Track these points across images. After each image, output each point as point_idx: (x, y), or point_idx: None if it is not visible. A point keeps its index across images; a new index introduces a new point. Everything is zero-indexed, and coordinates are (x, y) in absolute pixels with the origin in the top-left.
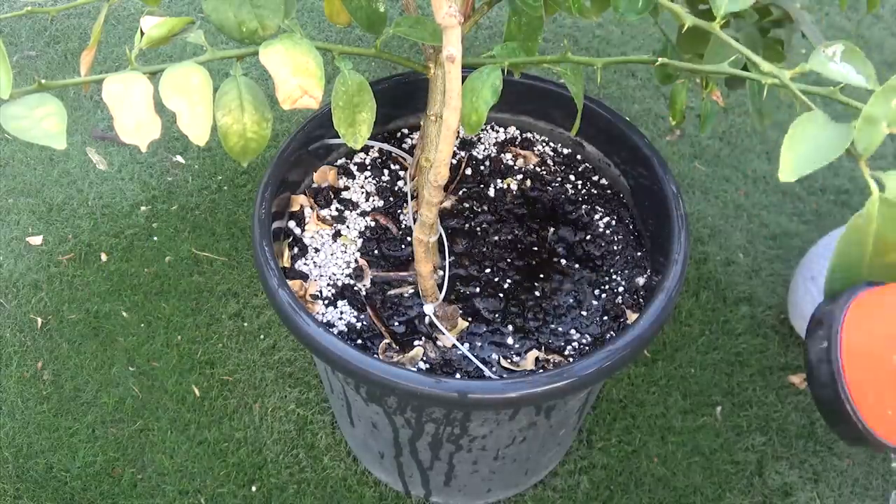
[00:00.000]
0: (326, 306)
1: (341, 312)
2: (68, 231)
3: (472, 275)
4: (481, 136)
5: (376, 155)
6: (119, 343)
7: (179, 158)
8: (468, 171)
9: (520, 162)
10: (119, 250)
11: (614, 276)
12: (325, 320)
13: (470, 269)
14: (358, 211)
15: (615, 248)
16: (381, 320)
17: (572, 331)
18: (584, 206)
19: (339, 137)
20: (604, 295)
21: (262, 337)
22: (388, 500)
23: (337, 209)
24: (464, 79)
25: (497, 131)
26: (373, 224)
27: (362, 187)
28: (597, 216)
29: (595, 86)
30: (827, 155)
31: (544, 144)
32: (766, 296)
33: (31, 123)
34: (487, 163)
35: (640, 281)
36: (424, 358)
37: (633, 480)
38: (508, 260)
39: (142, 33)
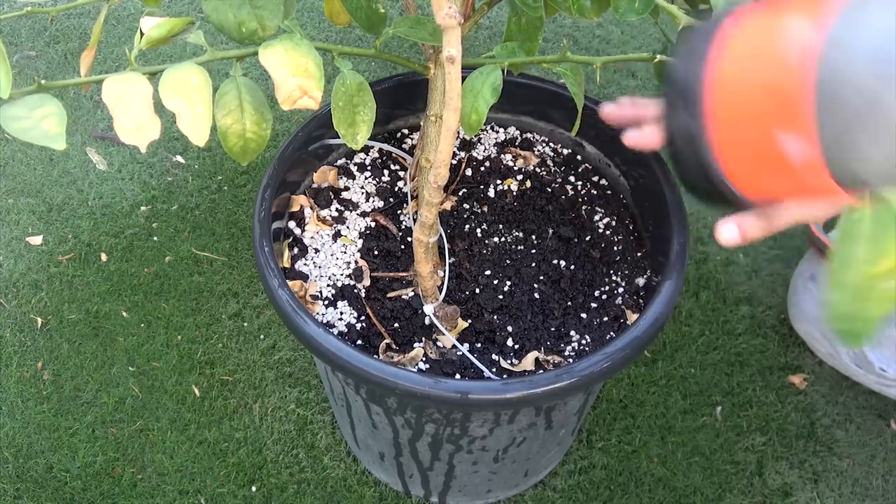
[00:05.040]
0: (326, 307)
1: (341, 313)
2: (68, 231)
3: (472, 275)
4: (481, 136)
5: (376, 155)
6: (119, 343)
7: (179, 158)
8: (468, 172)
9: (520, 162)
10: (119, 250)
11: (614, 277)
12: (325, 321)
13: (470, 269)
14: (358, 211)
15: (615, 248)
16: (380, 321)
17: (572, 331)
18: (584, 207)
19: (338, 138)
20: (604, 296)
21: (262, 337)
22: (388, 500)
23: (337, 209)
24: (464, 79)
25: (497, 132)
26: (373, 224)
27: (362, 188)
28: (597, 217)
29: (595, 86)
30: None
31: (544, 145)
32: (766, 296)
33: (32, 124)
34: (487, 163)
35: (640, 281)
36: (424, 358)
37: (633, 480)
38: (508, 261)
39: (142, 33)
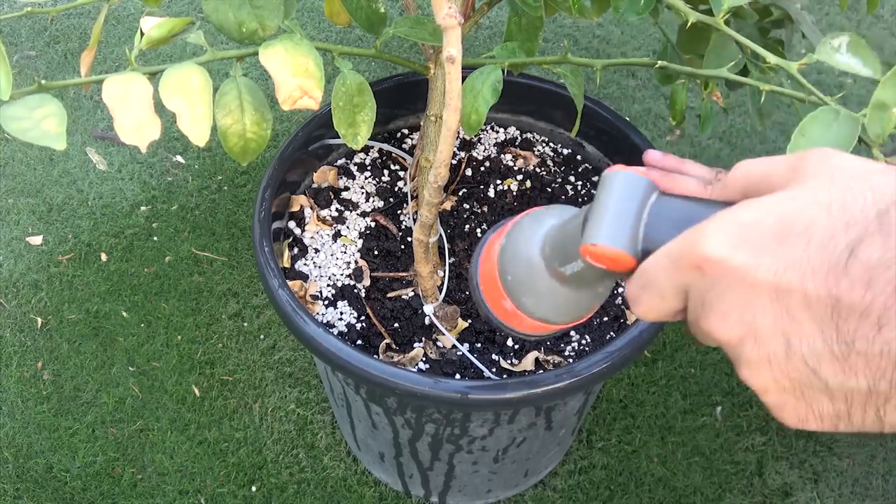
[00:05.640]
0: (326, 307)
1: (341, 313)
2: (68, 231)
3: None
4: (481, 136)
5: (376, 155)
6: (119, 343)
7: (179, 158)
8: (468, 172)
9: (520, 162)
10: (119, 250)
11: None
12: (325, 321)
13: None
14: (358, 211)
15: None
16: (380, 321)
17: (572, 331)
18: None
19: (338, 137)
20: None
21: (262, 337)
22: (388, 500)
23: (337, 209)
24: (464, 79)
25: (497, 132)
26: (373, 224)
27: (362, 188)
28: None
29: (595, 86)
30: (841, 145)
31: (544, 145)
32: None
33: (32, 124)
34: (487, 163)
35: None
36: (424, 358)
37: (633, 480)
38: None
39: (142, 34)
